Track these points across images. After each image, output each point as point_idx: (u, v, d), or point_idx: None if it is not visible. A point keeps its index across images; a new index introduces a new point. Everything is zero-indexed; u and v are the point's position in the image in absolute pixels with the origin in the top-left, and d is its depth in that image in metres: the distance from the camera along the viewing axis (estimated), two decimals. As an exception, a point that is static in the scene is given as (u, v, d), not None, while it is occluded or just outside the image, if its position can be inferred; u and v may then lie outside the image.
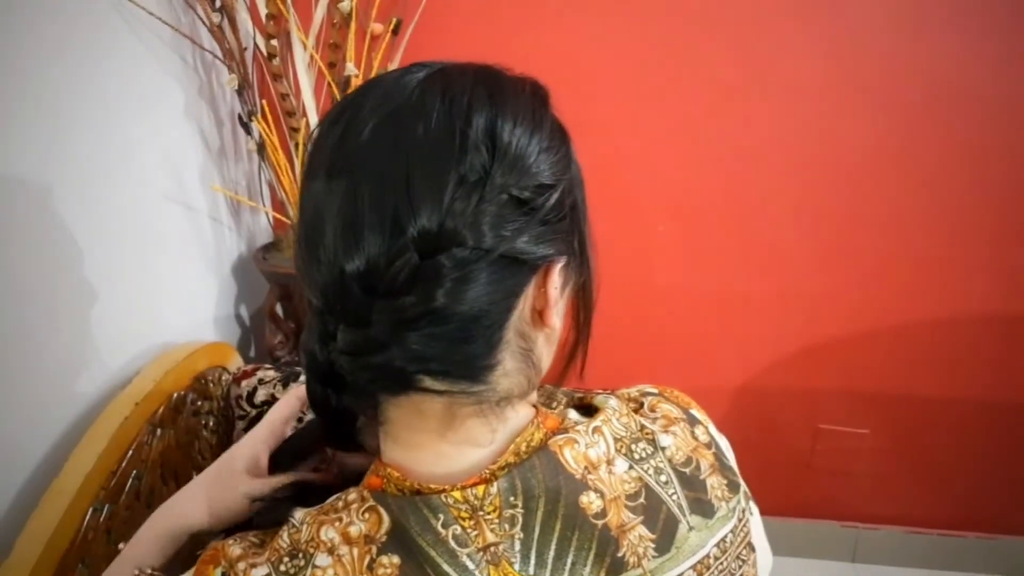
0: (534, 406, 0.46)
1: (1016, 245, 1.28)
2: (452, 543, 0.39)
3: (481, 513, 0.40)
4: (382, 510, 0.40)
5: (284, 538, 0.41)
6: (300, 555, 0.40)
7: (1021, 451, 1.42)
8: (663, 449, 0.44)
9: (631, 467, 0.43)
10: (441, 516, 0.40)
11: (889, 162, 1.25)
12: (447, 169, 0.37)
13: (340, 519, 0.40)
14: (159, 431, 0.88)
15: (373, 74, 1.13)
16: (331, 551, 0.39)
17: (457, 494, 0.40)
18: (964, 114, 1.21)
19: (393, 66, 1.16)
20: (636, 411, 0.47)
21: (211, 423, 1.00)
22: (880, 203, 1.27)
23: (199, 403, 0.97)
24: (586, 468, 0.42)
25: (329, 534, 0.40)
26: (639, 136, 1.27)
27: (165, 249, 1.06)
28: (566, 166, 0.43)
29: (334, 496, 0.42)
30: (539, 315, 0.42)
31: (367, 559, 0.39)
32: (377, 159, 0.39)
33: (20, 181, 0.76)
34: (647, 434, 0.45)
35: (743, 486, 0.48)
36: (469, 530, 0.39)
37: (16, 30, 0.75)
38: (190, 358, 0.96)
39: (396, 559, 0.39)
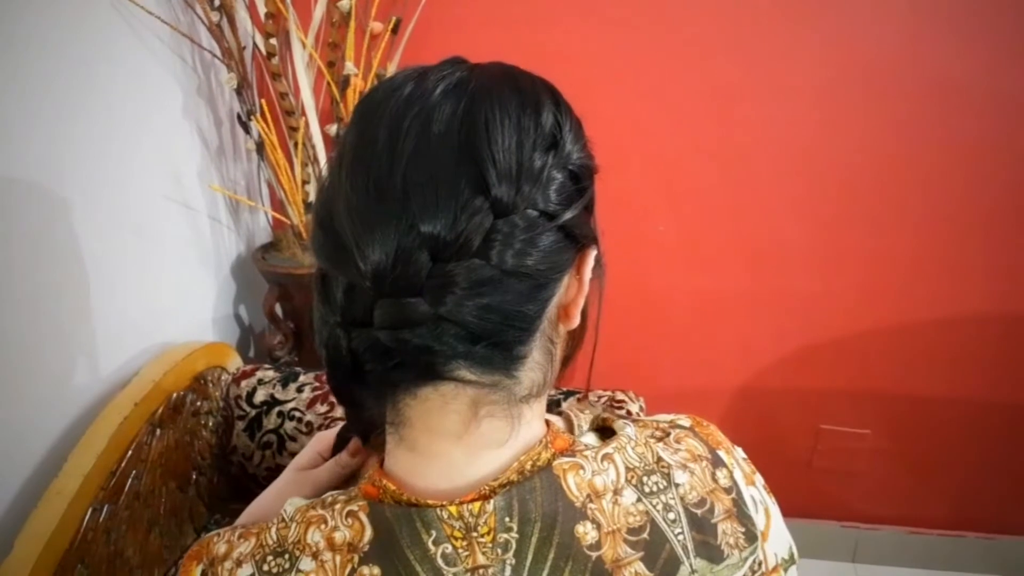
0: (547, 422, 0.45)
1: (1016, 245, 1.28)
2: (439, 561, 0.38)
3: (475, 534, 0.39)
4: (364, 518, 0.40)
5: (272, 534, 0.41)
6: (286, 555, 0.40)
7: (1021, 451, 1.42)
8: (677, 486, 0.42)
9: (639, 499, 0.41)
10: (433, 532, 0.39)
11: (889, 162, 1.25)
12: (526, 135, 0.38)
13: (326, 521, 0.40)
14: (158, 431, 0.88)
15: (372, 73, 1.12)
16: (315, 556, 0.39)
17: (453, 509, 0.39)
18: (963, 113, 1.20)
19: (392, 65, 1.16)
20: (660, 439, 0.45)
21: (210, 423, 1.00)
22: (880, 203, 1.27)
23: (198, 403, 0.97)
24: (588, 496, 0.40)
25: (315, 537, 0.40)
26: (639, 135, 1.26)
27: (164, 249, 1.06)
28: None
29: (328, 493, 0.42)
30: (564, 309, 0.42)
31: (348, 568, 0.38)
32: (452, 124, 0.38)
33: (18, 181, 0.76)
34: (663, 467, 0.43)
35: (792, 547, 0.47)
36: (460, 550, 0.39)
37: (15, 29, 0.75)
38: (189, 358, 0.96)
39: (376, 570, 0.38)
